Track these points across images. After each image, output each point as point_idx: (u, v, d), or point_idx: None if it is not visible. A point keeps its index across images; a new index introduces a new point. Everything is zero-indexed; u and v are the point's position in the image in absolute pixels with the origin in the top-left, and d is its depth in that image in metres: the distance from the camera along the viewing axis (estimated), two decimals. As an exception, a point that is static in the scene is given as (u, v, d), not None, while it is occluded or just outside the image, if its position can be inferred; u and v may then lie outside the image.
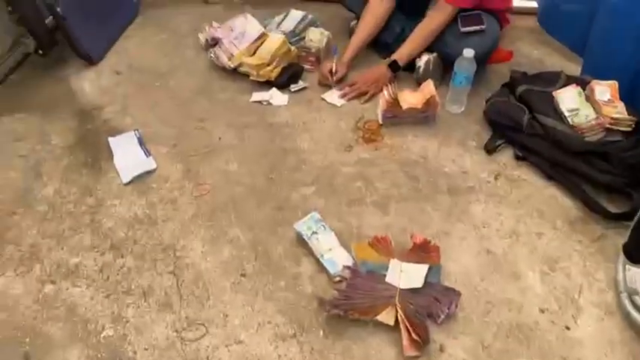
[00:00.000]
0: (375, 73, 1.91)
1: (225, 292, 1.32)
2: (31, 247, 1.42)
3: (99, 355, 1.19)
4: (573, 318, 1.26)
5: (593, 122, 1.54)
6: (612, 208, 1.47)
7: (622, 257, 1.30)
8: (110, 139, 1.72)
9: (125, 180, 1.59)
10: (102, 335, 1.23)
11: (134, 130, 1.75)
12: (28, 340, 1.22)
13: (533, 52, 2.17)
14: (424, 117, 1.77)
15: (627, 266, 1.29)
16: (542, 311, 1.27)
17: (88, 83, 2.00)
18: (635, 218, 1.25)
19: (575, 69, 1.95)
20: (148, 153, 1.68)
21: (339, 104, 1.89)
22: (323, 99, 1.91)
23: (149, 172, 1.63)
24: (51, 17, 1.97)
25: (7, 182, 1.61)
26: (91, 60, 2.05)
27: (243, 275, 1.36)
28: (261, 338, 1.22)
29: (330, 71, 1.92)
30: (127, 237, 1.45)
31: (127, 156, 1.67)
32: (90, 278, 1.35)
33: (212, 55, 2.04)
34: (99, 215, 1.51)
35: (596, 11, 1.75)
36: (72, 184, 1.60)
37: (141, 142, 1.71)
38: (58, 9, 1.89)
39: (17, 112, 1.87)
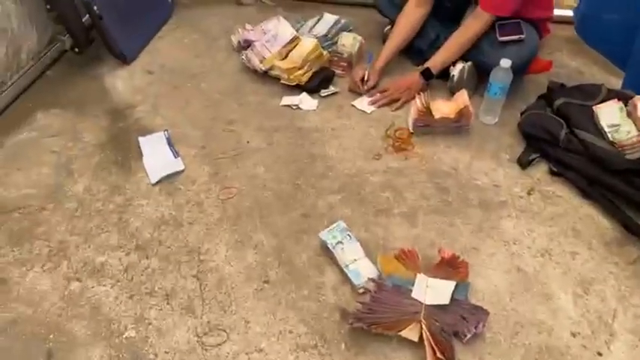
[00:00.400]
0: (407, 81, 1.87)
1: (247, 298, 1.31)
2: (59, 244, 1.44)
3: (120, 356, 1.19)
4: (606, 344, 1.20)
5: (635, 139, 1.47)
6: (652, 231, 1.40)
7: (662, 283, 1.24)
8: (140, 138, 1.74)
9: (153, 180, 1.60)
10: (124, 336, 1.23)
11: (164, 131, 1.76)
12: (52, 337, 1.23)
13: (571, 62, 2.10)
14: (457, 127, 1.73)
15: (667, 293, 1.23)
16: (573, 335, 1.22)
17: (121, 82, 2.03)
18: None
19: (616, 82, 1.88)
20: (176, 154, 1.68)
21: (368, 111, 1.86)
22: (353, 105, 1.89)
23: (177, 173, 1.63)
24: (87, 16, 2.00)
25: (39, 178, 1.63)
26: (125, 59, 2.08)
27: (266, 282, 1.34)
28: (281, 347, 1.21)
29: (362, 79, 1.90)
30: (152, 238, 1.46)
31: (156, 156, 1.68)
32: (115, 278, 1.36)
33: (244, 57, 2.04)
34: (126, 214, 1.52)
35: (638, 24, 1.67)
36: (102, 182, 1.62)
37: (170, 143, 1.72)
38: (95, 7, 1.92)
39: (52, 108, 1.90)
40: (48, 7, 1.90)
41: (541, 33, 1.89)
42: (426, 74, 1.85)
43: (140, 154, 1.69)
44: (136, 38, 2.18)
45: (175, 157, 1.67)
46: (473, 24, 1.78)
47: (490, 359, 1.17)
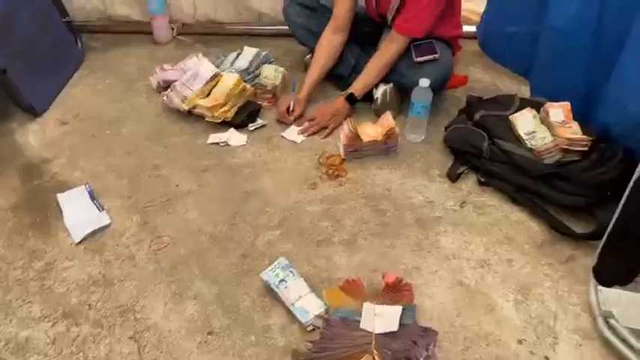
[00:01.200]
0: (333, 107, 1.89)
1: (191, 354, 1.23)
2: (-26, 323, 1.30)
3: None
4: (551, 347, 1.23)
5: (550, 144, 1.55)
6: (578, 229, 1.47)
7: (593, 280, 1.29)
8: (59, 195, 1.62)
9: (77, 239, 1.49)
10: (57, 418, 1.12)
11: (84, 184, 1.66)
12: None
13: (485, 76, 2.21)
14: (386, 149, 1.76)
15: (599, 288, 1.29)
16: (520, 342, 1.24)
17: (32, 136, 1.90)
18: (603, 240, 1.24)
19: (526, 90, 1.99)
20: (101, 207, 1.59)
21: (298, 141, 1.85)
22: (282, 137, 1.87)
23: (103, 228, 1.54)
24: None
25: (-56, 252, 1.48)
26: (34, 112, 1.95)
27: (210, 333, 1.27)
28: (233, 403, 1.14)
29: (288, 109, 1.89)
30: (80, 302, 1.35)
31: (78, 212, 1.57)
32: (42, 352, 1.24)
33: (165, 98, 1.97)
34: (49, 280, 1.40)
35: (539, 34, 1.77)
36: (18, 248, 1.49)
37: (92, 196, 1.62)
38: (-3, 61, 1.80)
39: (-45, 173, 1.74)
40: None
41: (454, 50, 1.97)
42: (351, 99, 1.88)
43: (60, 213, 1.57)
44: (45, 88, 2.05)
45: (100, 211, 1.57)
46: (389, 47, 1.83)
47: (445, 380, 1.17)
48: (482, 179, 1.65)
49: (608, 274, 1.17)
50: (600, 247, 1.24)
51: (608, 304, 1.26)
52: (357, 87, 1.87)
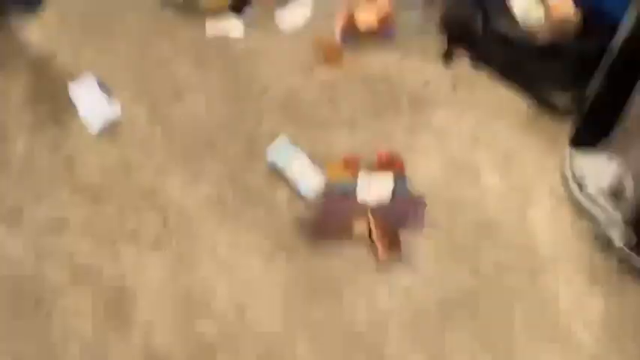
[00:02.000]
0: None
1: (209, 225, 1.40)
2: (14, 206, 1.46)
3: (104, 295, 1.29)
4: (529, 208, 1.39)
5: (544, 21, 1.58)
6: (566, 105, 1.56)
7: (570, 149, 1.41)
8: (70, 85, 1.69)
9: (94, 131, 1.60)
10: (103, 276, 1.31)
11: (93, 76, 1.72)
12: (35, 287, 1.30)
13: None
14: (384, 35, 1.78)
15: (574, 156, 1.41)
16: (500, 206, 1.40)
17: (35, 32, 1.90)
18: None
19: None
20: (109, 95, 1.67)
21: (293, 25, 1.86)
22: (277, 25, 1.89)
23: (116, 118, 1.63)
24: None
25: (-26, 146, 1.60)
26: (33, 7, 1.95)
27: (223, 207, 1.43)
28: (248, 261, 1.33)
29: None
30: (105, 185, 1.49)
31: (92, 105, 1.65)
32: (79, 228, 1.41)
33: (160, -13, 1.95)
34: (74, 167, 1.53)
35: None
36: (41, 139, 1.60)
37: (102, 88, 1.69)
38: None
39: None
40: None
41: None
42: None
43: (71, 104, 1.66)
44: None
45: (111, 103, 1.66)
46: None
47: (433, 239, 1.34)
48: (476, 59, 1.70)
49: (581, 138, 1.27)
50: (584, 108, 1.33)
51: (581, 170, 1.39)
52: None
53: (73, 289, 1.30)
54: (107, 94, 1.68)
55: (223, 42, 1.85)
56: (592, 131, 1.25)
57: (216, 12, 1.89)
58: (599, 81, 1.22)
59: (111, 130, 1.62)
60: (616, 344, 1.20)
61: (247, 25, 1.89)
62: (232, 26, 1.88)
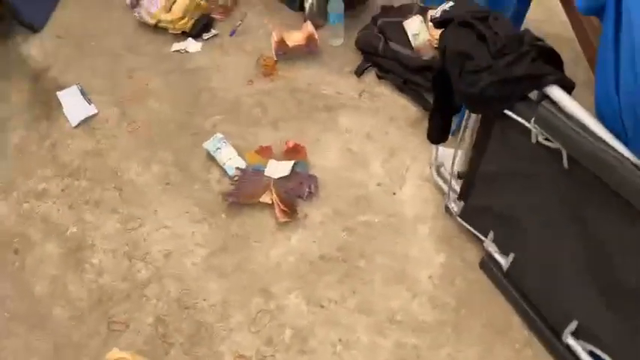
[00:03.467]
0: None
1: (155, 196, 1.82)
2: (7, 181, 1.89)
3: (68, 245, 1.71)
4: (400, 187, 1.79)
5: (427, 43, 2.00)
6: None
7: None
8: (58, 93, 2.15)
9: (74, 124, 2.04)
10: (68, 232, 1.74)
11: (76, 84, 2.18)
12: (16, 240, 1.73)
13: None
14: (308, 51, 2.22)
15: (440, 147, 1.80)
16: (379, 185, 1.80)
17: (34, 49, 2.39)
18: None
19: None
20: (89, 101, 2.12)
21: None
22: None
23: (92, 116, 2.08)
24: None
25: (-19, 135, 2.05)
26: (33, 28, 2.43)
27: (168, 184, 1.86)
28: (181, 223, 1.74)
29: None
30: (80, 166, 1.93)
31: (74, 105, 2.10)
32: (55, 197, 1.84)
33: (136, 14, 2.42)
34: (57, 152, 1.97)
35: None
36: (33, 131, 2.05)
37: (83, 93, 2.15)
38: (-1, -14, 2.24)
39: (-21, 79, 2.27)
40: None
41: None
42: None
43: (60, 106, 2.11)
44: (42, 8, 2.51)
45: (89, 104, 2.11)
46: None
47: (322, 208, 1.75)
48: (379, 73, 2.12)
49: (431, 136, 1.66)
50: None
51: (442, 158, 1.78)
52: None
53: (44, 242, 1.72)
54: (87, 98, 2.13)
55: (183, 57, 2.30)
56: (436, 131, 1.63)
57: (179, 34, 2.35)
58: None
59: (87, 124, 2.06)
60: (450, 288, 1.58)
61: (205, 45, 2.35)
62: (191, 45, 2.33)
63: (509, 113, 1.18)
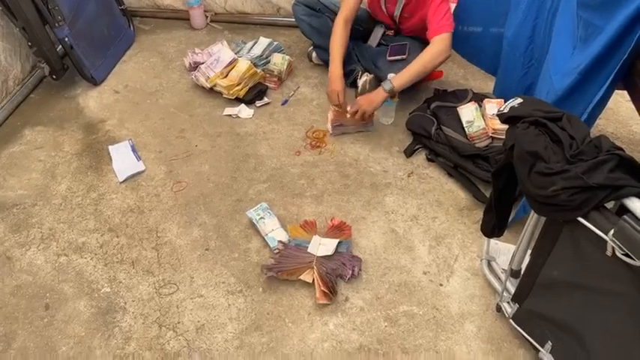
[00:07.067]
0: (374, 95, 2.12)
1: (192, 261, 1.78)
2: (49, 230, 1.89)
3: (99, 305, 1.65)
4: (447, 278, 1.70)
5: (481, 131, 1.97)
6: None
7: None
8: (109, 147, 2.18)
9: (121, 179, 2.05)
10: (101, 291, 1.69)
11: (128, 140, 2.22)
12: (48, 295, 1.68)
13: (459, 71, 2.60)
14: (363, 125, 2.22)
15: (492, 241, 1.73)
16: (425, 273, 1.72)
17: (92, 101, 2.47)
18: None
19: (491, 86, 2.37)
20: (139, 158, 2.14)
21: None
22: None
23: (139, 173, 2.09)
24: (61, 46, 2.43)
25: (29, 182, 2.08)
26: (94, 82, 2.52)
27: (207, 249, 1.81)
28: (216, 293, 1.68)
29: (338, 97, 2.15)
30: (121, 222, 1.91)
31: (123, 160, 2.13)
32: (93, 252, 1.81)
33: (193, 77, 2.50)
34: (100, 206, 1.97)
35: (497, 37, 2.16)
36: (80, 182, 2.06)
37: (134, 149, 2.17)
38: (67, 39, 2.35)
39: (37, 125, 2.34)
40: (29, 43, 2.33)
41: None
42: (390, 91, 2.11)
43: (110, 160, 2.14)
44: (104, 63, 2.62)
45: (138, 161, 2.13)
46: (430, 50, 2.07)
47: (364, 292, 1.66)
48: (429, 156, 2.09)
49: (485, 229, 1.59)
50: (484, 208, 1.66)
51: (494, 252, 1.70)
52: (398, 81, 2.08)
53: (75, 299, 1.68)
54: (137, 155, 2.15)
55: (234, 121, 2.33)
56: (492, 225, 1.56)
57: (232, 99, 2.40)
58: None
59: (134, 180, 2.07)
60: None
61: (256, 112, 2.38)
62: (243, 110, 2.37)
63: (584, 222, 1.11)
